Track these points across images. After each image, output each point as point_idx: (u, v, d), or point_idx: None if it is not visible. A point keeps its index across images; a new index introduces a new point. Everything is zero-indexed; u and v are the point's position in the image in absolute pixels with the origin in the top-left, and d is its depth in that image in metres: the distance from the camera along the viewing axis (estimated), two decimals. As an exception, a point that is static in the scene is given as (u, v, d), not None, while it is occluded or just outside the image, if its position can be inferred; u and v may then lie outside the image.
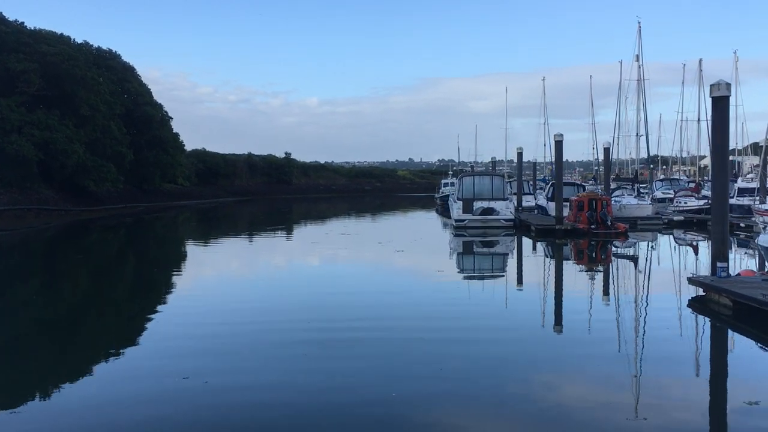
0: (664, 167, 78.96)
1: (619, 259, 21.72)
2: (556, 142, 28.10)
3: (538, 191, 49.29)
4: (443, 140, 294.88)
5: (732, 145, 61.95)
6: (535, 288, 15.96)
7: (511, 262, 21.70)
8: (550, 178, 68.76)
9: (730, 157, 67.56)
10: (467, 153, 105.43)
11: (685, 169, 75.84)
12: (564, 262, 21.94)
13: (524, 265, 20.72)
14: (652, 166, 63.42)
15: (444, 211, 49.37)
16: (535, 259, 22.51)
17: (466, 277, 18.42)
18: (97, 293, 16.18)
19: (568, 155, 74.71)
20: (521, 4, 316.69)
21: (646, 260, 21.79)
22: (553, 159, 73.48)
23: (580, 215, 28.47)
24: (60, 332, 11.53)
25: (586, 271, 19.36)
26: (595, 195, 29.06)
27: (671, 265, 20.40)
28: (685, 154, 64.24)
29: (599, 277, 18.08)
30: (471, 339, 10.53)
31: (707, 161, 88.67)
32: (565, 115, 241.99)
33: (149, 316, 12.71)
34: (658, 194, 44.58)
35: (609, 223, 27.45)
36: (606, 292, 15.55)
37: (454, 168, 79.60)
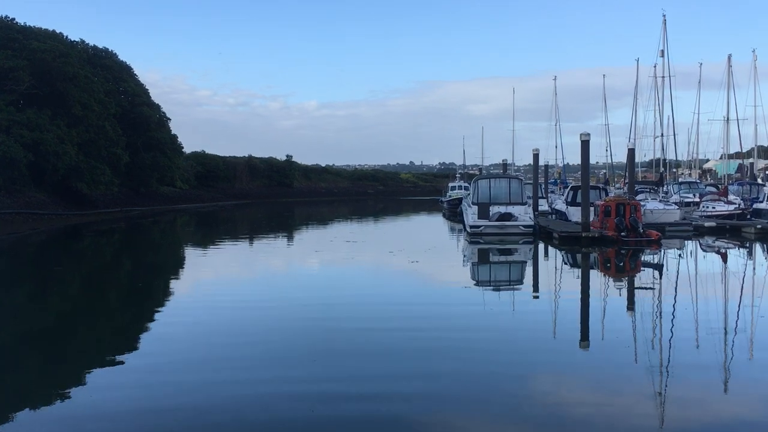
0: (674, 170, 76.95)
1: (663, 271, 19.49)
2: (582, 142, 25.87)
3: (550, 195, 47.43)
4: (443, 144, 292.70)
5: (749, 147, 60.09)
6: (582, 304, 13.84)
7: (543, 275, 19.48)
8: (559, 180, 66.77)
9: (739, 161, 65.85)
10: (471, 156, 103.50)
11: (689, 172, 73.84)
12: (604, 274, 19.71)
13: (558, 277, 18.55)
14: (662, 169, 61.35)
15: (452, 216, 47.39)
16: (569, 271, 20.38)
17: (496, 293, 16.24)
18: (60, 319, 13.50)
19: (570, 158, 72.85)
20: (520, 7, 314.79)
21: (696, 272, 19.57)
22: (564, 161, 71.96)
23: (607, 221, 26.30)
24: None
25: (633, 284, 17.15)
26: (624, 199, 26.84)
27: (730, 278, 18.18)
28: (702, 156, 62.19)
29: (651, 293, 15.86)
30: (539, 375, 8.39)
31: (710, 164, 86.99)
32: (565, 118, 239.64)
33: (113, 356, 9.98)
34: (677, 198, 42.51)
35: (641, 230, 25.29)
36: (666, 310, 13.30)
37: (461, 171, 77.47)
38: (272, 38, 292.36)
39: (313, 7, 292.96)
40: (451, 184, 61.98)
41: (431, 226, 43.72)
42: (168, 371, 9.04)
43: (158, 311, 13.80)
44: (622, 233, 25.12)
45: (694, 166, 71.28)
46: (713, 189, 46.66)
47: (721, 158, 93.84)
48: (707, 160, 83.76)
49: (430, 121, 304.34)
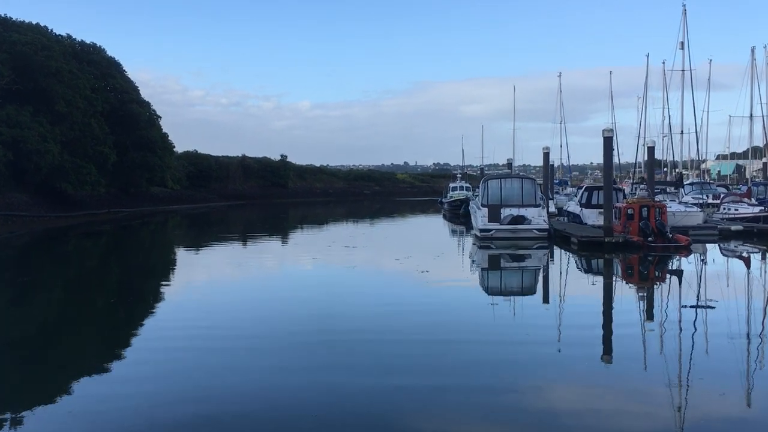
0: (675, 170, 75.36)
1: (708, 282, 17.42)
2: (605, 138, 23.81)
3: (556, 196, 45.67)
4: (438, 144, 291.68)
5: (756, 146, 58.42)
6: (623, 317, 11.82)
7: (578, 287, 17.11)
8: (562, 180, 64.91)
9: (736, 161, 63.74)
10: (468, 156, 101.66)
11: (687, 172, 72.20)
12: (642, 285, 17.65)
13: (594, 289, 16.53)
14: (665, 169, 59.46)
15: (453, 217, 45.51)
16: (600, 281, 18.32)
17: (524, 307, 14.16)
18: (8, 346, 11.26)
19: (571, 158, 71.37)
20: (514, 8, 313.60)
21: (747, 281, 17.51)
22: (570, 161, 70.03)
23: (630, 225, 24.32)
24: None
25: (684, 300, 15.12)
26: (648, 201, 24.87)
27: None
28: (710, 156, 60.56)
29: (707, 311, 13.84)
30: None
31: (707, 165, 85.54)
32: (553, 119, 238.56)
33: (53, 398, 8.06)
34: (689, 199, 40.75)
35: (669, 235, 23.31)
36: (733, 331, 11.29)
37: (461, 171, 75.50)
38: (265, 38, 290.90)
39: (307, 8, 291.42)
40: (451, 185, 59.96)
41: (433, 228, 41.67)
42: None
43: (131, 338, 11.66)
44: (649, 238, 23.12)
45: (693, 167, 69.54)
46: (723, 190, 44.89)
47: (717, 158, 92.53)
48: (704, 161, 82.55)
49: (424, 122, 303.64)
